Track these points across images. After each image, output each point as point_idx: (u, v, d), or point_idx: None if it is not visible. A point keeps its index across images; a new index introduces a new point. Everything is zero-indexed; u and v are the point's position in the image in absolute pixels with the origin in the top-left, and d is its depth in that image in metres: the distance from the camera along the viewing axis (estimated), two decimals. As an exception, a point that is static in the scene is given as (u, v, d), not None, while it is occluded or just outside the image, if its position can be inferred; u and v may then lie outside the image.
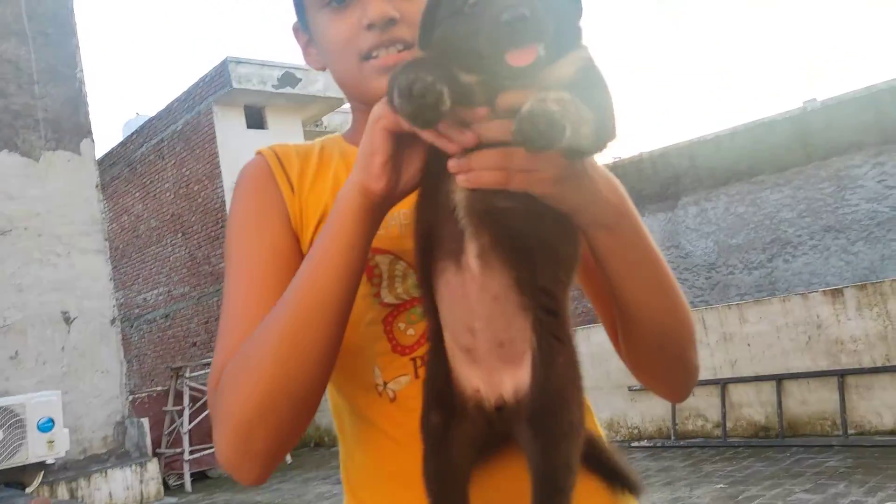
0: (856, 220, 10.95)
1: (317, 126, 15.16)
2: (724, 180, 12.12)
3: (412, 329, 0.92)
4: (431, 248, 0.80)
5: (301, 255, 0.92)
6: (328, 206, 0.92)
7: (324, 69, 1.03)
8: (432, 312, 0.83)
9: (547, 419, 0.78)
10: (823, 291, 6.89)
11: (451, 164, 0.73)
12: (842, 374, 6.66)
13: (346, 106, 17.73)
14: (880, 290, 6.54)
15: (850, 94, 11.00)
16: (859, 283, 6.71)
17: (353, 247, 0.79)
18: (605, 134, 0.72)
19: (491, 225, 0.75)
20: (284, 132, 13.87)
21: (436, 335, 0.83)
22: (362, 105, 0.99)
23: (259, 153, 1.03)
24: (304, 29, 1.04)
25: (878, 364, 6.49)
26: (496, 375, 0.80)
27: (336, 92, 14.53)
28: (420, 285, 0.85)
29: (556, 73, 0.72)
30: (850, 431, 6.54)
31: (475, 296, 0.77)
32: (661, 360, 0.92)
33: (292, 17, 1.05)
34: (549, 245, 0.78)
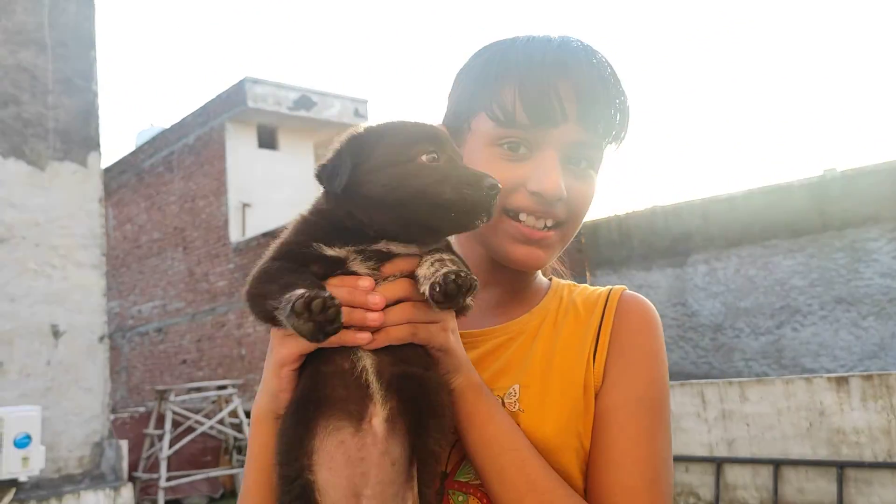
0: (868, 294, 10.68)
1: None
2: (736, 241, 11.89)
3: None
4: (313, 407, 0.78)
5: None
6: None
7: None
8: (299, 475, 0.78)
9: None
10: (828, 378, 6.66)
11: (362, 336, 0.76)
12: (841, 466, 6.41)
13: (361, 131, 17.59)
14: (887, 382, 6.30)
15: (870, 166, 10.79)
16: (865, 374, 6.46)
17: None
18: (476, 292, 0.81)
19: (399, 390, 0.78)
20: (296, 154, 13.78)
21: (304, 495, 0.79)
22: (478, 245, 1.00)
23: None
24: (452, 136, 0.98)
25: (880, 459, 6.24)
26: None
27: (350, 119, 14.47)
28: (288, 449, 0.79)
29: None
30: (847, 527, 6.27)
31: (375, 459, 0.76)
32: None
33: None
34: (438, 412, 0.81)
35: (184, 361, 13.81)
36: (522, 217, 0.91)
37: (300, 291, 0.70)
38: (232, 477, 10.05)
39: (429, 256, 0.79)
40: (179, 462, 9.51)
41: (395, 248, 0.80)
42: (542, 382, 0.91)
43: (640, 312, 1.00)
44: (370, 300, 0.76)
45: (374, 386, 0.77)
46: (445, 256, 0.79)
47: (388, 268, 0.79)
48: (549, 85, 0.88)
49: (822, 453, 6.50)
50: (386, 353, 0.78)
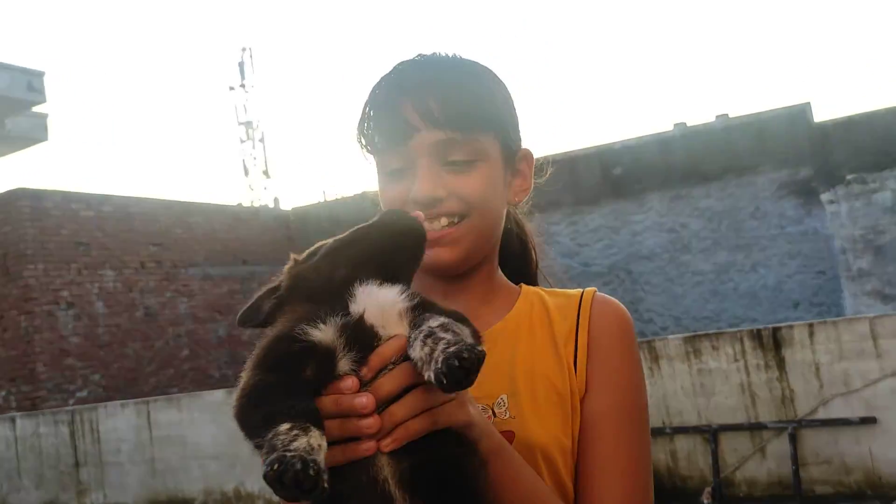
0: (552, 273, 11.68)
1: (-1, 129, 13.13)
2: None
3: None
4: None
5: None
6: None
7: None
8: None
9: None
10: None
11: (364, 448, 0.72)
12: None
13: (38, 108, 15.68)
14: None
15: (550, 155, 11.81)
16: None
17: None
18: (481, 348, 0.73)
19: (429, 494, 0.73)
20: (-45, 134, 11.75)
21: None
22: None
23: None
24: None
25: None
26: None
27: (23, 94, 12.69)
28: None
29: (397, 310, 0.77)
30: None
31: None
32: None
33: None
34: (480, 492, 0.77)
35: None
36: None
37: (281, 438, 0.64)
38: None
39: (416, 332, 0.73)
40: None
41: (368, 313, 0.75)
42: (528, 390, 0.98)
43: (616, 316, 1.05)
44: (357, 404, 0.72)
45: (399, 499, 0.72)
46: (434, 325, 0.72)
47: (375, 360, 0.75)
48: (393, 107, 0.99)
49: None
50: (406, 454, 0.73)
